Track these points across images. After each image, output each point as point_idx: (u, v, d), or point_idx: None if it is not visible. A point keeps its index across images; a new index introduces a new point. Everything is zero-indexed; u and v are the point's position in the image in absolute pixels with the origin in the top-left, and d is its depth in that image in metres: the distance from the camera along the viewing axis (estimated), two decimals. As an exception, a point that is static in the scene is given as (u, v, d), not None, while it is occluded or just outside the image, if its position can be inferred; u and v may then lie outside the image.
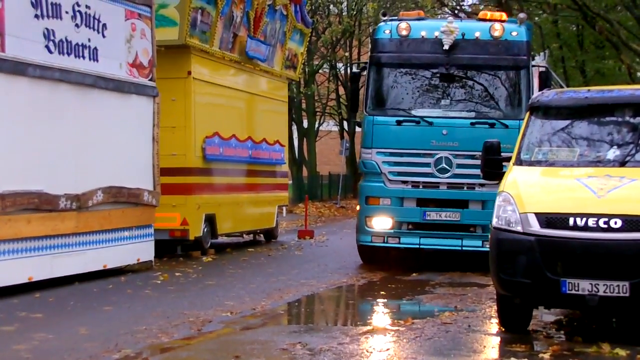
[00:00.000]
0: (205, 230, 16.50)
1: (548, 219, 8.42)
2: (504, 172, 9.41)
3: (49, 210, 11.66)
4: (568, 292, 8.23)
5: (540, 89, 13.46)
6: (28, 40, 11.39)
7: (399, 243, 14.50)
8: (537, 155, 9.33)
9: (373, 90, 14.88)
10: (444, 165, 14.27)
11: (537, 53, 29.32)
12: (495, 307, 9.55)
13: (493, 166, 9.75)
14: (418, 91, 14.86)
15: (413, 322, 9.58)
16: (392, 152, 14.53)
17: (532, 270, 8.37)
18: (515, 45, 14.50)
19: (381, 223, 14.52)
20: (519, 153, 9.38)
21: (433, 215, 14.32)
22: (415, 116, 14.51)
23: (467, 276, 13.84)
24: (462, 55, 14.57)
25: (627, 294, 8.08)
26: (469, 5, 41.89)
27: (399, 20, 15.00)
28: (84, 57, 12.45)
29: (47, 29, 11.71)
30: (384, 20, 15.10)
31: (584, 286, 8.19)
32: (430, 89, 14.87)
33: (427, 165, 14.36)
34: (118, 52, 13.34)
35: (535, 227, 8.45)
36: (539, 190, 8.90)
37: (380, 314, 10.99)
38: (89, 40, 12.60)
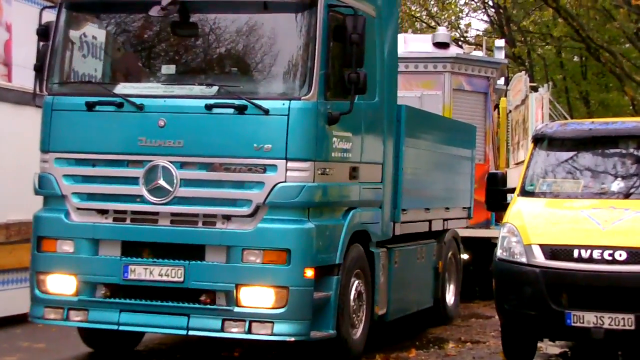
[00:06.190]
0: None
1: (553, 251, 8.41)
2: (508, 203, 9.43)
3: (53, 239, 11.66)
4: (573, 324, 8.20)
5: (351, 48, 8.08)
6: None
7: (87, 321, 8.44)
8: (541, 186, 9.35)
9: (58, 53, 8.97)
10: (161, 181, 8.27)
11: (541, 84, 29.42)
12: (499, 339, 9.52)
13: (497, 197, 9.75)
14: (126, 53, 9.34)
15: (417, 354, 9.54)
16: (78, 159, 8.62)
17: (537, 301, 8.34)
18: None
19: (59, 285, 8.53)
20: (523, 184, 9.40)
21: (139, 271, 8.30)
22: (116, 95, 8.55)
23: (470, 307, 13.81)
24: None
25: (633, 327, 8.05)
26: (473, 37, 41.96)
27: None
28: (89, 87, 12.52)
29: (53, 59, 11.79)
30: None
31: (589, 318, 8.16)
32: (146, 50, 9.19)
33: (134, 181, 8.38)
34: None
35: (539, 258, 8.43)
36: (544, 221, 8.90)
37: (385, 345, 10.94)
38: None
